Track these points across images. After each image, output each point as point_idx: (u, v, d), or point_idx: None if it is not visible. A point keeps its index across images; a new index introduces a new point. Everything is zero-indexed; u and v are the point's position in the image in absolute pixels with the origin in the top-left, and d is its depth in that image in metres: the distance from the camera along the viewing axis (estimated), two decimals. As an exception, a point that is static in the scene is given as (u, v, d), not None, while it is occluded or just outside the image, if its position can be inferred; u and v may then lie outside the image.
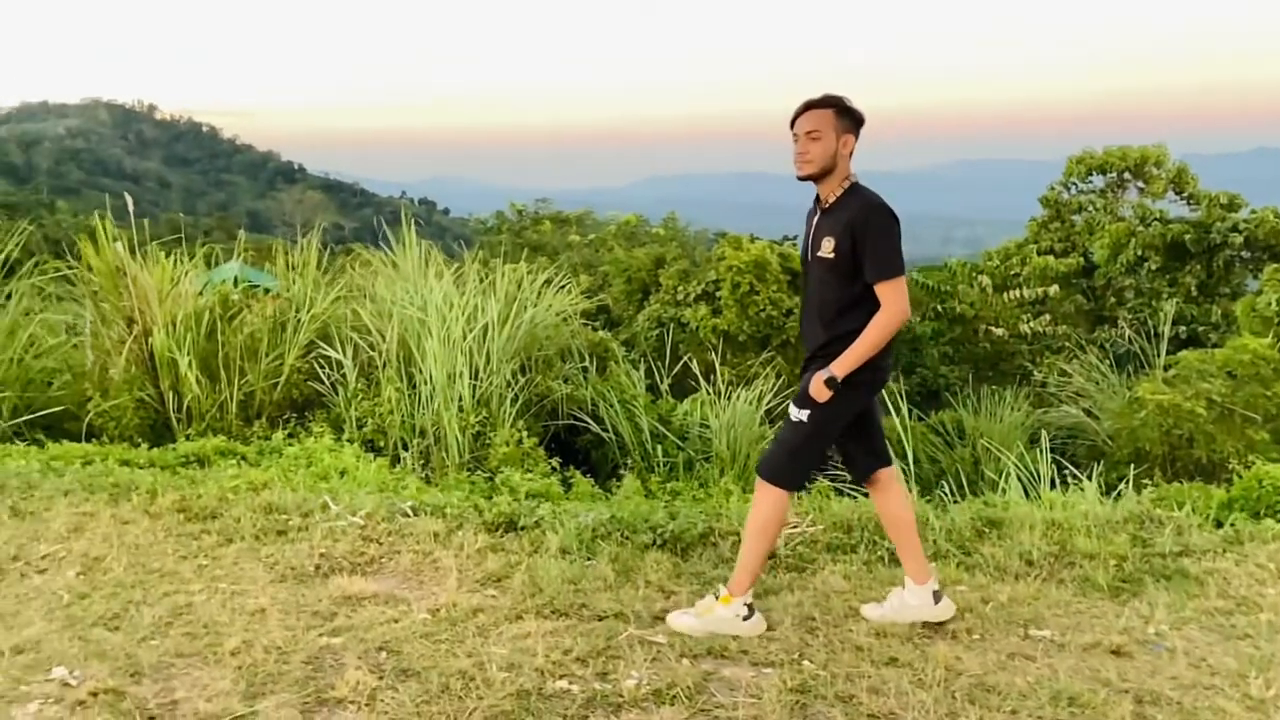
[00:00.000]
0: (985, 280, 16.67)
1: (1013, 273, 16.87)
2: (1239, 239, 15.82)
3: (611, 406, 8.16)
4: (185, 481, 5.30)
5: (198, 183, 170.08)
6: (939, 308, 16.74)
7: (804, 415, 3.48)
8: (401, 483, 5.87)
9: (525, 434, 7.19)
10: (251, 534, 4.42)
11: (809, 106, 3.47)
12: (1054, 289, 16.23)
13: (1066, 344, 16.28)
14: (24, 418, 7.33)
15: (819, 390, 3.41)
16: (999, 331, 16.26)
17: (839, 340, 3.45)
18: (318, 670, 3.11)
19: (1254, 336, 10.46)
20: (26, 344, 7.91)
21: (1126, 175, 18.47)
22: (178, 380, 7.47)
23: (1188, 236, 16.27)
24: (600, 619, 3.58)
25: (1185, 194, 17.64)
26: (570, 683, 3.08)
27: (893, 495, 3.74)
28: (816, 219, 3.57)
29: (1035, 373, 15.64)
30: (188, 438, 7.05)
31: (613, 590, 3.83)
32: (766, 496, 3.55)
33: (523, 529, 4.61)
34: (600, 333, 9.72)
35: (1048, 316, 16.26)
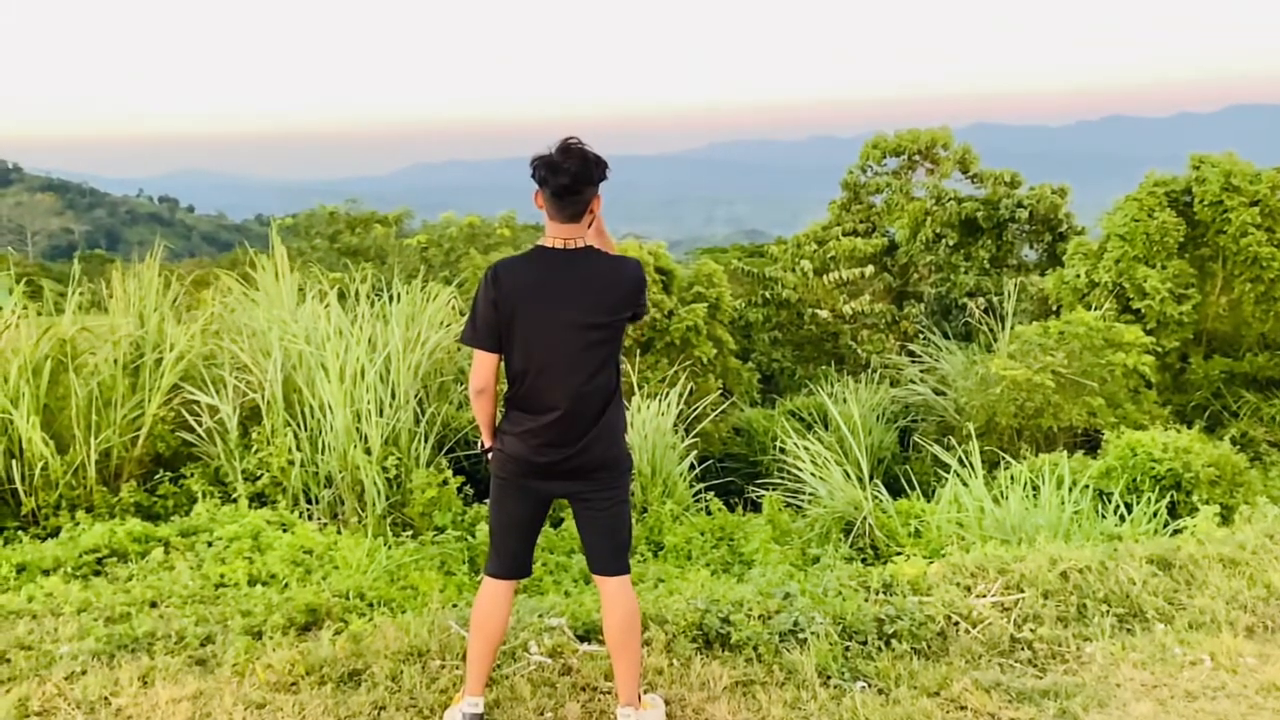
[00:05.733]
0: (807, 265, 17.26)
1: (830, 255, 17.55)
2: (1024, 214, 17.27)
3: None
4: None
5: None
6: (766, 294, 17.17)
7: None
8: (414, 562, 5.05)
9: (450, 471, 6.59)
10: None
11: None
12: (870, 270, 17.05)
13: (882, 322, 17.23)
14: None
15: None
16: (824, 314, 16.91)
17: None
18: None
19: (1084, 310, 11.39)
20: None
21: (916, 157, 19.69)
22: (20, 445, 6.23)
23: (979, 213, 17.58)
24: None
25: (970, 173, 19.03)
26: None
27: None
28: None
29: (859, 350, 16.43)
30: (53, 514, 5.88)
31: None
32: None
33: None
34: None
35: (868, 296, 17.08)
